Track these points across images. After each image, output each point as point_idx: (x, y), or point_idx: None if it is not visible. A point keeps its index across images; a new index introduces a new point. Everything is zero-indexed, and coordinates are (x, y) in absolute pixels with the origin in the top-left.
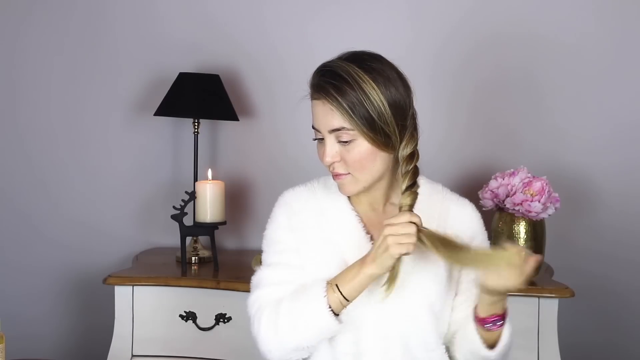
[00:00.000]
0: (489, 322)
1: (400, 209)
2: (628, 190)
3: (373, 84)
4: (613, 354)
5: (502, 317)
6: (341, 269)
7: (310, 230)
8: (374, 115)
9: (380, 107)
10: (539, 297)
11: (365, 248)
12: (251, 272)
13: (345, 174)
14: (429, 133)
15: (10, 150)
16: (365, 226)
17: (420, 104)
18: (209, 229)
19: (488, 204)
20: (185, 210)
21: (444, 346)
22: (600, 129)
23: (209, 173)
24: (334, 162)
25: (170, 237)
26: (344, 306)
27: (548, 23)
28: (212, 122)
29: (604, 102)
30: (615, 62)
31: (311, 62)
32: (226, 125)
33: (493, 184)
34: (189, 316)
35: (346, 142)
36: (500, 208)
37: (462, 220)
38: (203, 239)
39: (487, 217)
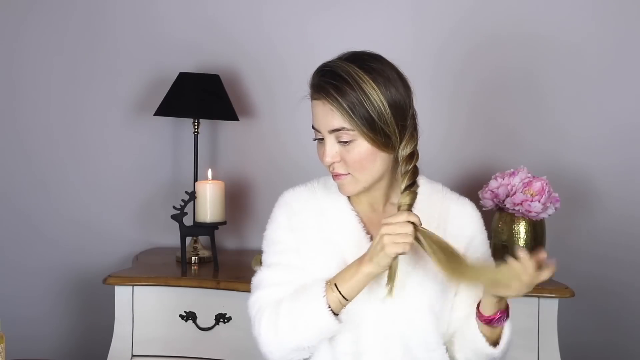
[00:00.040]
0: (496, 320)
1: (399, 208)
2: (628, 190)
3: (373, 84)
4: (613, 354)
5: (506, 312)
6: (341, 269)
7: (310, 230)
8: (374, 116)
9: (380, 108)
10: (539, 297)
11: (365, 248)
12: (251, 272)
13: (345, 174)
14: (429, 133)
15: (10, 150)
16: (365, 226)
17: (421, 104)
18: (209, 229)
19: (488, 204)
20: (185, 210)
21: (444, 346)
22: (600, 129)
23: (209, 173)
24: (334, 163)
25: (170, 237)
26: (343, 305)
27: (548, 23)
28: (212, 122)
29: (604, 102)
30: (615, 62)
31: (311, 62)
32: (226, 125)
33: (493, 184)
34: (189, 316)
35: (346, 142)
36: (500, 208)
37: (462, 220)
38: (203, 239)
39: (487, 217)
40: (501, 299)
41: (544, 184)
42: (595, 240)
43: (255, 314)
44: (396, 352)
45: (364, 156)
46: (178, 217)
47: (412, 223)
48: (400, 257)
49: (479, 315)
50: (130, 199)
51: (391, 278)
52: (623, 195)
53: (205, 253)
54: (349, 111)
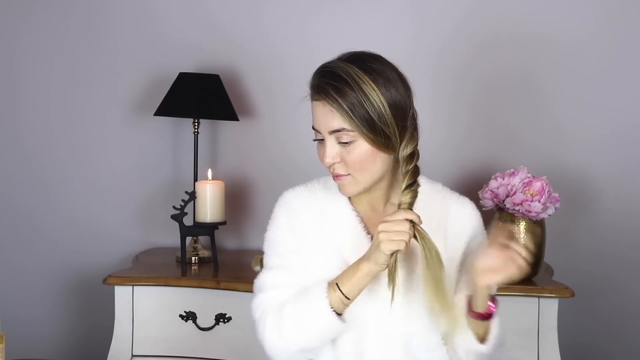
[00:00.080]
0: (491, 313)
1: (399, 206)
2: (628, 190)
3: (373, 85)
4: (613, 354)
5: (493, 300)
6: (342, 269)
7: (310, 230)
8: (374, 116)
9: (381, 108)
10: (539, 297)
11: (366, 248)
12: (251, 272)
13: (346, 175)
14: (430, 133)
15: (10, 150)
16: (365, 226)
17: (421, 104)
18: (209, 229)
19: (488, 204)
20: (185, 210)
21: (445, 346)
22: (600, 129)
23: (209, 173)
24: (334, 163)
25: (170, 237)
26: (346, 305)
27: (548, 23)
28: (212, 122)
29: (604, 102)
30: (616, 62)
31: (311, 62)
32: (226, 125)
33: (493, 184)
34: (189, 316)
35: (346, 143)
36: (500, 208)
37: (462, 219)
38: (203, 239)
39: (487, 217)
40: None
41: (544, 184)
42: (595, 240)
43: (259, 317)
44: (397, 352)
45: (364, 157)
46: (178, 217)
47: (411, 221)
48: (402, 256)
49: (472, 313)
50: (130, 199)
51: (391, 279)
52: (623, 195)
53: (205, 253)
54: (349, 112)
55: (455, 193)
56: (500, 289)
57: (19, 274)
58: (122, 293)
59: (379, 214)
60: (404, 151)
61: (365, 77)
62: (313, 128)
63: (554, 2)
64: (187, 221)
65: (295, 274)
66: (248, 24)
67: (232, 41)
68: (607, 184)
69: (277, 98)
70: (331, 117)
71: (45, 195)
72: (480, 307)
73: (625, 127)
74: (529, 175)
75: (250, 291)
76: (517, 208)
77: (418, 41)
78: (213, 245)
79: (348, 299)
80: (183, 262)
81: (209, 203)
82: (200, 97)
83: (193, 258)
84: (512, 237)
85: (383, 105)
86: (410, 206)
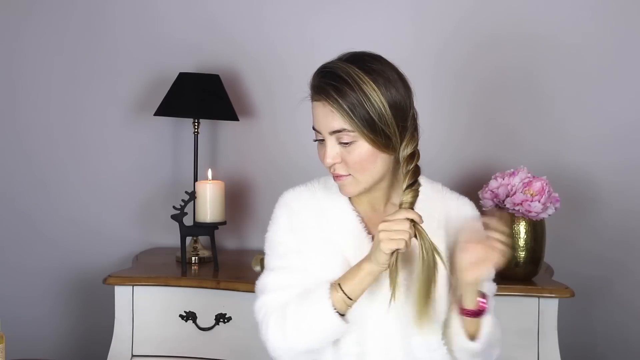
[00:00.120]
0: (482, 310)
1: (400, 206)
2: (628, 190)
3: (373, 85)
4: (613, 354)
5: (484, 297)
6: (343, 269)
7: (310, 230)
8: (374, 117)
9: (381, 109)
10: (539, 297)
11: (367, 248)
12: (251, 272)
13: (346, 175)
14: (430, 133)
15: (10, 150)
16: (366, 226)
17: (421, 104)
18: (209, 229)
19: (488, 204)
20: (185, 210)
21: (445, 347)
22: (600, 128)
23: (209, 173)
24: (334, 164)
25: (170, 237)
26: (349, 306)
27: (548, 23)
28: (212, 122)
29: (604, 102)
30: (615, 62)
31: (311, 62)
32: (226, 125)
33: (493, 184)
34: (189, 316)
35: (347, 143)
36: (500, 208)
37: (461, 219)
38: (203, 239)
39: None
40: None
41: (544, 184)
42: (595, 240)
43: (262, 319)
44: (397, 351)
45: (365, 157)
46: (178, 217)
47: (412, 220)
48: (403, 256)
49: (463, 311)
50: (130, 199)
51: (392, 278)
52: (623, 195)
53: (205, 253)
54: (350, 112)
55: (455, 193)
56: (500, 289)
57: (19, 274)
58: (122, 293)
59: (380, 214)
60: (405, 151)
61: (366, 78)
62: (313, 128)
63: (554, 2)
64: (187, 221)
65: (296, 274)
66: (248, 24)
67: (232, 41)
68: (607, 184)
69: (277, 98)
70: (332, 118)
71: (45, 195)
72: (470, 304)
73: (625, 127)
74: (529, 175)
75: (251, 291)
76: (517, 208)
77: (418, 41)
78: (213, 245)
79: (350, 299)
80: (183, 262)
81: (209, 203)
82: (200, 97)
83: (193, 258)
84: (492, 223)
85: (383, 105)
86: (411, 205)
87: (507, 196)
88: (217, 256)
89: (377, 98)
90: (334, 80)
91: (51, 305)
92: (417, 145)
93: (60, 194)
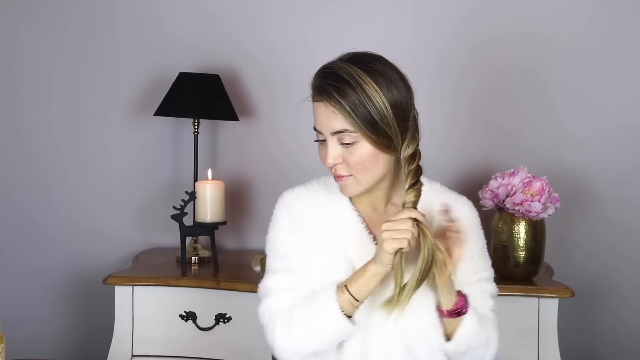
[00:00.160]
0: (462, 306)
1: (403, 206)
2: (628, 190)
3: (375, 86)
4: (613, 354)
5: (461, 295)
6: (345, 269)
7: (311, 231)
8: (376, 117)
9: (383, 109)
10: (539, 297)
11: (368, 248)
12: (251, 272)
13: (348, 176)
14: (430, 133)
15: (10, 150)
16: (367, 226)
17: (421, 104)
18: (209, 229)
19: (488, 204)
20: (185, 210)
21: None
22: (601, 128)
23: (209, 173)
24: (336, 164)
25: (170, 237)
26: (355, 307)
27: (548, 23)
28: (212, 122)
29: (604, 102)
30: (616, 63)
31: (311, 62)
32: (226, 125)
33: (493, 184)
34: (189, 316)
35: (348, 144)
36: (500, 208)
37: (459, 218)
38: (203, 239)
39: (487, 217)
40: (450, 285)
41: (544, 184)
42: (595, 240)
43: (267, 322)
44: (398, 352)
45: (366, 158)
46: (178, 217)
47: (415, 220)
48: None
49: (443, 313)
50: (130, 199)
51: (397, 281)
52: (623, 195)
53: (205, 253)
54: (351, 113)
55: (453, 192)
56: (500, 289)
57: (19, 274)
58: (122, 293)
59: (380, 214)
60: (406, 151)
61: (367, 78)
62: (314, 129)
63: (554, 2)
64: (187, 221)
65: (299, 276)
66: (248, 24)
67: (232, 41)
68: (607, 183)
69: (277, 98)
70: (333, 118)
71: (45, 195)
72: (447, 304)
73: (625, 127)
74: (529, 175)
75: (251, 291)
76: (517, 208)
77: (418, 41)
78: (213, 245)
79: (357, 300)
80: (183, 262)
81: (209, 203)
82: (200, 97)
83: (193, 258)
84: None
85: (385, 105)
86: (414, 205)
87: (507, 196)
88: (217, 256)
89: (378, 98)
90: (336, 81)
91: (51, 305)
92: (418, 145)
93: (60, 194)
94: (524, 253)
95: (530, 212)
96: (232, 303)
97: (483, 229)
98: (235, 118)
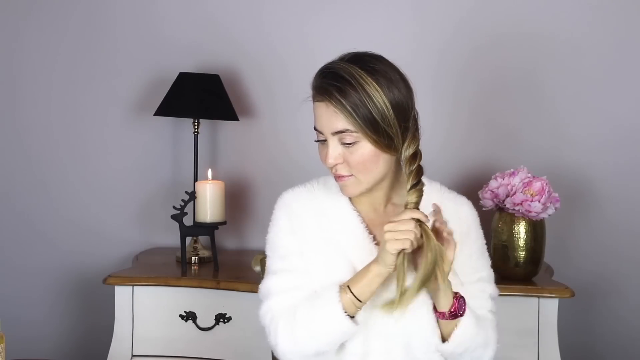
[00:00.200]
0: (458, 308)
1: (405, 206)
2: (628, 190)
3: (376, 86)
4: (613, 354)
5: (458, 297)
6: (345, 269)
7: (310, 231)
8: (377, 117)
9: (384, 109)
10: (539, 297)
11: (368, 248)
12: (251, 272)
13: (348, 176)
14: (431, 133)
15: (10, 150)
16: (367, 226)
17: (422, 104)
18: (209, 229)
19: (488, 204)
20: (185, 210)
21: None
22: (601, 129)
23: (209, 173)
24: (336, 164)
25: (170, 237)
26: (358, 308)
27: (549, 23)
28: (212, 122)
29: (604, 102)
30: (616, 63)
31: (311, 62)
32: (226, 125)
33: (493, 184)
34: (189, 316)
35: (349, 144)
36: (500, 208)
37: (457, 217)
38: (203, 239)
39: (487, 217)
40: (447, 287)
41: (544, 184)
42: (595, 240)
43: (269, 324)
44: (398, 351)
45: (367, 158)
46: (178, 217)
47: (418, 220)
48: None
49: (438, 314)
50: (130, 199)
51: (399, 282)
52: (623, 195)
53: (205, 253)
54: (353, 113)
55: (453, 192)
56: (500, 289)
57: (19, 274)
58: (122, 293)
59: (380, 214)
60: (407, 151)
61: (368, 78)
62: (315, 129)
63: (554, 2)
64: (187, 221)
65: (299, 276)
66: (248, 24)
67: (232, 41)
68: (607, 184)
69: (277, 98)
70: (335, 119)
71: (45, 195)
72: (444, 305)
73: (625, 127)
74: (529, 175)
75: (251, 291)
76: (517, 208)
77: (418, 41)
78: (213, 245)
79: (360, 301)
80: (183, 262)
81: (209, 203)
82: (200, 97)
83: (193, 258)
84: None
85: (386, 105)
86: (416, 205)
87: (507, 196)
88: (217, 256)
89: (379, 98)
90: (337, 81)
91: (51, 305)
92: (418, 145)
93: (60, 194)
94: (524, 253)
95: (530, 212)
96: (232, 303)
97: (483, 229)
98: (235, 118)
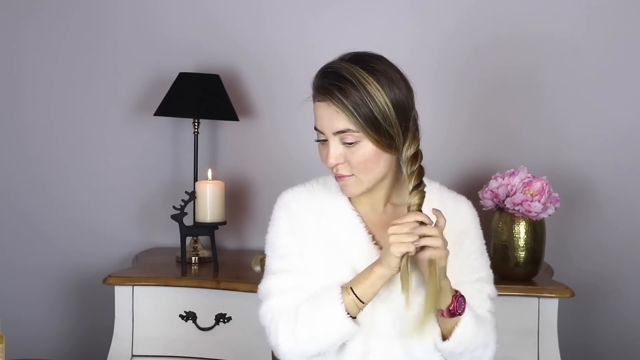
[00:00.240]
0: (459, 306)
1: (408, 208)
2: (628, 190)
3: (377, 85)
4: (613, 354)
5: (457, 295)
6: (344, 269)
7: (310, 231)
8: (378, 117)
9: (385, 109)
10: (539, 297)
11: (368, 248)
12: (251, 272)
13: (349, 176)
14: (431, 133)
15: (10, 150)
16: (366, 226)
17: (422, 104)
18: (209, 229)
19: (488, 204)
20: (185, 210)
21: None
22: (601, 129)
23: (209, 173)
24: (337, 164)
25: (170, 237)
26: (360, 309)
27: (549, 23)
28: (212, 122)
29: (604, 102)
30: (616, 63)
31: (311, 62)
32: (226, 125)
33: (493, 184)
34: (189, 316)
35: (351, 143)
36: (500, 208)
37: (456, 216)
38: (203, 239)
39: (487, 217)
40: (446, 286)
41: (544, 184)
42: (595, 240)
43: (270, 324)
44: (398, 352)
45: (369, 157)
46: (178, 217)
47: (421, 222)
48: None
49: (439, 312)
50: (130, 199)
51: (404, 281)
52: (623, 195)
53: (205, 253)
54: (354, 112)
55: (452, 192)
56: (500, 289)
57: (19, 274)
58: (122, 293)
59: (379, 214)
60: (408, 152)
61: (369, 78)
62: (316, 129)
63: (554, 2)
64: (187, 221)
65: (299, 276)
66: (248, 24)
67: (232, 41)
68: (607, 184)
69: (277, 98)
70: (336, 118)
71: (45, 195)
72: (443, 304)
73: (625, 127)
74: (529, 175)
75: (251, 291)
76: (517, 208)
77: (418, 41)
78: (213, 245)
79: (362, 302)
80: (183, 262)
81: (209, 203)
82: (200, 97)
83: (193, 258)
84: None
85: (387, 105)
86: (419, 207)
87: (507, 196)
88: (217, 256)
89: (381, 98)
90: (338, 81)
91: (51, 305)
92: (419, 145)
93: (60, 194)
94: (524, 253)
95: (530, 212)
96: (232, 303)
97: (483, 229)
98: (235, 118)
